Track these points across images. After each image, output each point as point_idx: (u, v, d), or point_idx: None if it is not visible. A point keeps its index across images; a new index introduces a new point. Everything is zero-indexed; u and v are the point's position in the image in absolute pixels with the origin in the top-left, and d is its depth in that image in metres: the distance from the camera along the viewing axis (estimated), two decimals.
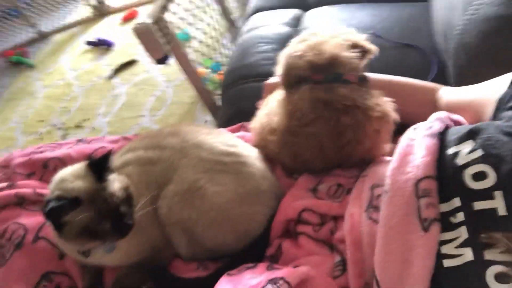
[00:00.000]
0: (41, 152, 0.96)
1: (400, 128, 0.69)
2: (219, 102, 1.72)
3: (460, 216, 0.50)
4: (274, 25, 1.43)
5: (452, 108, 0.73)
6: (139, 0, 3.53)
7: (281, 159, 0.82)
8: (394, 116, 0.74)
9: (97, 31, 3.17)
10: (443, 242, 0.50)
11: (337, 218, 0.69)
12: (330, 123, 0.71)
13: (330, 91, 0.72)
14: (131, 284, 0.73)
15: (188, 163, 0.75)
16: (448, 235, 0.50)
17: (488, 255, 0.46)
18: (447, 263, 0.49)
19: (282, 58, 0.81)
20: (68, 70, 2.89)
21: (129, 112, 2.29)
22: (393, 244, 0.53)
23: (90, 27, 3.35)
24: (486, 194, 0.49)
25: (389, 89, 0.77)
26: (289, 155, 0.79)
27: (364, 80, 0.76)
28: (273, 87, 0.89)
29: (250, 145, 0.85)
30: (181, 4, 1.53)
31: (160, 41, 1.15)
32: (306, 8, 1.51)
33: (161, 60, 1.16)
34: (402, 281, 0.51)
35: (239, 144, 0.81)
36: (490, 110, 0.63)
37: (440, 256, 0.49)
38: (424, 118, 0.65)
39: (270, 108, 0.84)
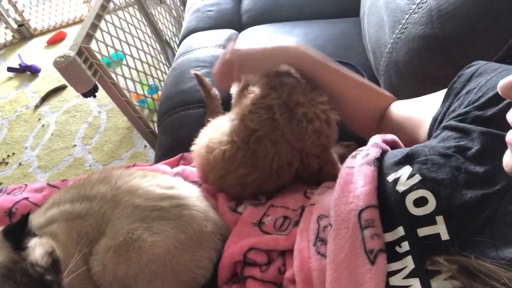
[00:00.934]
0: None
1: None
2: (155, 128, 1.65)
3: (405, 246, 0.49)
4: (209, 47, 1.40)
5: (395, 121, 0.74)
6: (66, 20, 3.35)
7: (227, 183, 0.79)
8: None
9: (20, 57, 2.94)
10: (391, 273, 0.49)
11: (285, 254, 0.66)
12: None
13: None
14: None
15: (122, 212, 0.68)
16: (395, 266, 0.49)
17: (435, 283, 0.45)
18: None
19: None
20: None
21: (60, 142, 2.14)
22: (343, 280, 0.51)
23: (11, 52, 3.11)
24: (429, 219, 0.48)
25: (344, 82, 0.78)
26: (239, 173, 0.76)
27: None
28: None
29: (190, 184, 0.80)
30: (110, 26, 1.43)
31: (86, 74, 1.06)
32: (240, 28, 1.49)
33: (89, 93, 1.08)
34: None
35: (178, 185, 0.75)
36: (426, 128, 0.64)
37: None
38: (369, 122, 0.70)
39: (214, 128, 0.83)
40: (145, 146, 1.92)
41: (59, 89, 2.52)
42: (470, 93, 0.56)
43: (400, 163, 0.55)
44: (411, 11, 0.85)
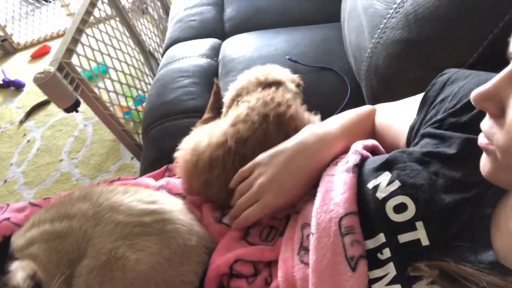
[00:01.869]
0: None
1: None
2: (140, 140, 1.63)
3: (387, 252, 0.49)
4: (192, 57, 1.39)
5: (378, 130, 0.74)
6: (50, 34, 3.33)
7: (213, 188, 0.78)
8: None
9: (3, 72, 2.90)
10: (374, 280, 0.49)
11: (271, 264, 0.66)
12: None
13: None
14: None
15: (103, 230, 0.67)
16: (377, 273, 0.49)
17: None
18: None
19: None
20: None
21: (46, 158, 2.11)
22: None
23: None
24: (409, 225, 0.48)
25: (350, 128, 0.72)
26: (226, 178, 0.75)
27: None
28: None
29: (173, 197, 0.79)
30: (92, 40, 1.42)
31: (67, 89, 1.05)
32: (222, 37, 1.49)
33: (70, 108, 1.06)
34: None
35: (160, 199, 0.74)
36: (404, 137, 0.64)
37: None
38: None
39: (204, 133, 0.83)
40: (132, 158, 1.90)
41: (44, 103, 2.49)
42: (444, 101, 0.56)
43: (380, 169, 0.55)
44: (389, 15, 0.86)
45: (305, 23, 1.41)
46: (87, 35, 1.36)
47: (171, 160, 0.93)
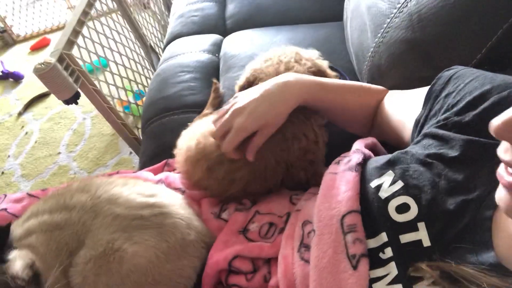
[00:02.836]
0: None
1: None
2: (139, 134, 1.63)
3: (389, 252, 0.49)
4: (194, 52, 1.39)
5: (384, 120, 0.74)
6: (50, 26, 3.31)
7: (214, 176, 0.77)
8: None
9: (2, 63, 2.89)
10: (375, 280, 0.49)
11: (271, 261, 0.66)
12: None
13: None
14: None
15: (102, 222, 0.66)
16: (379, 272, 0.49)
17: None
18: None
19: (249, 67, 0.87)
20: None
21: (44, 150, 2.10)
22: (326, 286, 0.51)
23: None
24: (411, 226, 0.48)
25: (332, 90, 0.76)
26: (229, 167, 0.75)
27: None
28: None
29: (173, 191, 0.79)
30: (93, 32, 1.42)
31: (68, 80, 1.04)
32: (224, 33, 1.48)
33: (70, 100, 1.06)
34: None
35: (160, 193, 0.74)
36: (409, 129, 0.64)
37: None
38: (363, 121, 0.73)
39: (198, 128, 0.82)
40: (131, 153, 1.89)
41: (43, 96, 2.48)
42: (448, 96, 0.56)
43: (383, 169, 0.55)
44: (392, 15, 0.85)
45: (307, 21, 1.40)
46: (88, 27, 1.35)
47: (170, 154, 0.93)
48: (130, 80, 1.64)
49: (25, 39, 3.29)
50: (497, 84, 0.51)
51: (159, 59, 1.93)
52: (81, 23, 1.25)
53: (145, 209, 0.69)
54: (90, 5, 1.31)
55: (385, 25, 0.88)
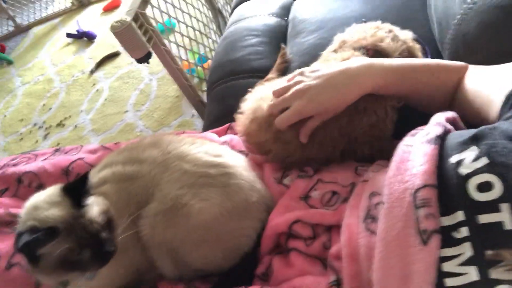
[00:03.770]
0: (15, 165, 0.90)
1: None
2: (203, 97, 1.65)
3: (464, 231, 0.46)
4: (262, 16, 1.36)
5: (465, 96, 0.69)
6: None
7: (279, 136, 0.77)
8: None
9: (78, 23, 3.04)
10: (445, 259, 0.46)
11: (331, 230, 0.65)
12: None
13: None
14: None
15: (171, 177, 0.69)
16: (450, 251, 0.46)
17: (494, 273, 0.43)
18: (449, 282, 0.45)
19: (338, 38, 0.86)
20: (48, 65, 2.79)
21: (113, 108, 2.21)
22: (392, 259, 0.49)
23: (70, 19, 3.23)
24: (492, 206, 0.45)
25: (408, 75, 0.73)
26: (293, 135, 0.75)
27: None
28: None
29: (237, 153, 0.79)
30: None
31: (141, 39, 1.07)
32: None
33: (143, 59, 1.09)
34: None
35: (225, 154, 0.75)
36: (497, 105, 0.59)
37: (442, 274, 0.46)
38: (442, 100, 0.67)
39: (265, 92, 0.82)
40: (193, 115, 1.94)
41: (113, 55, 2.59)
42: None
43: (466, 144, 0.51)
44: None
45: None
46: None
47: (233, 118, 0.93)
48: (197, 42, 1.66)
49: (98, 0, 3.42)
50: None
51: (225, 23, 1.92)
52: None
53: (211, 168, 0.70)
54: None
55: None
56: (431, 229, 0.47)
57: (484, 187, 0.46)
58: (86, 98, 2.36)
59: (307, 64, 0.94)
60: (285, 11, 1.37)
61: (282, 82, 0.81)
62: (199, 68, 1.77)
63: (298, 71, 0.77)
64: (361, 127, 0.74)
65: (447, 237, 0.47)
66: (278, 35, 1.27)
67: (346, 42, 0.84)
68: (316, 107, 0.71)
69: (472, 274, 0.44)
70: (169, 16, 1.44)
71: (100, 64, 2.57)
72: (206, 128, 1.13)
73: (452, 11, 0.88)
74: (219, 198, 0.68)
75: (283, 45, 1.17)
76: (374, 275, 0.50)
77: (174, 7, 1.49)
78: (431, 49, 1.01)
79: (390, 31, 0.84)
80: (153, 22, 1.24)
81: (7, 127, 2.40)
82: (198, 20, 1.68)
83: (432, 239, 0.47)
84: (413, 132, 0.61)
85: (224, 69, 1.23)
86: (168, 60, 1.23)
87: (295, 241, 0.66)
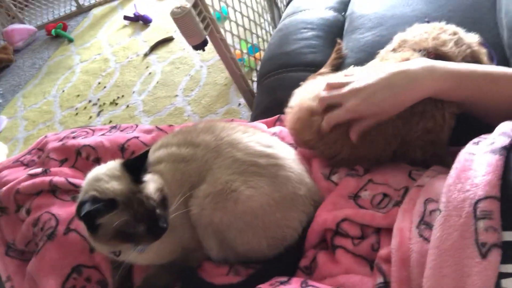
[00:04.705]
0: (74, 137, 0.96)
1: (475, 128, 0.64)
2: (253, 87, 1.67)
3: None
4: (319, 9, 1.34)
5: None
6: None
7: (327, 135, 0.76)
8: None
9: (135, 6, 3.14)
10: (505, 275, 0.45)
11: (380, 232, 0.64)
12: None
13: None
14: (159, 284, 0.71)
15: (222, 163, 0.71)
16: (511, 268, 0.44)
17: None
18: None
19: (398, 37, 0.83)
20: (105, 45, 2.91)
21: (163, 91, 2.28)
22: (446, 269, 0.48)
23: (128, 2, 3.34)
24: None
25: (472, 83, 0.69)
26: (336, 136, 0.74)
27: None
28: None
29: (287, 145, 0.80)
30: None
31: (199, 26, 1.09)
32: None
33: (199, 46, 1.11)
34: None
35: (276, 145, 0.76)
36: None
37: None
38: (508, 112, 0.61)
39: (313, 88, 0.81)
40: (239, 104, 1.97)
41: (167, 40, 2.66)
42: None
43: None
44: None
45: None
46: None
47: (283, 110, 0.93)
48: (251, 32, 1.67)
49: None
50: None
51: (280, 15, 1.92)
52: None
53: (262, 157, 0.71)
54: None
55: None
56: (492, 243, 0.46)
57: None
58: (139, 80, 2.45)
59: (362, 61, 0.92)
60: (343, 5, 1.35)
61: (338, 76, 0.80)
62: (250, 58, 1.78)
63: (355, 68, 0.75)
64: (416, 131, 0.72)
65: (510, 253, 0.45)
66: (334, 30, 1.25)
67: (407, 42, 0.81)
68: (370, 108, 0.69)
69: None
70: (226, 4, 1.46)
71: (154, 48, 2.65)
72: (254, 118, 1.14)
73: None
74: (267, 188, 0.69)
75: (339, 40, 1.15)
76: (425, 282, 0.49)
77: None
78: (497, 53, 0.96)
79: (454, 34, 0.80)
80: (211, 10, 1.26)
81: (65, 101, 2.54)
82: (253, 10, 1.68)
83: (492, 253, 0.45)
84: (476, 140, 0.59)
85: (277, 61, 1.23)
86: (222, 49, 1.25)
87: (342, 239, 0.66)
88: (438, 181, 0.61)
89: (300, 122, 0.81)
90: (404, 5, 1.16)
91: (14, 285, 0.78)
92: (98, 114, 2.32)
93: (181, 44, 2.55)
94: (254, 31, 1.72)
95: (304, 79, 1.07)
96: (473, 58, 0.77)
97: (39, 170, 0.86)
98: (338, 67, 1.11)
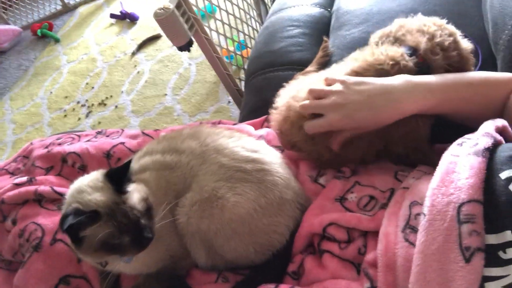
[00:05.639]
0: (60, 144, 0.94)
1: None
2: (241, 85, 1.65)
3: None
4: (305, 6, 1.33)
5: None
6: None
7: (308, 147, 0.77)
8: None
9: (121, 4, 3.10)
10: (489, 278, 0.45)
11: (367, 235, 0.64)
12: None
13: None
14: None
15: (208, 169, 0.70)
16: (495, 271, 0.45)
17: None
18: None
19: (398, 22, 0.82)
20: (92, 45, 2.87)
21: (152, 90, 2.26)
22: (431, 274, 0.48)
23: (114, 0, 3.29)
24: None
25: (455, 95, 0.69)
26: (319, 139, 0.74)
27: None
28: None
29: (273, 148, 0.80)
30: None
31: (183, 27, 1.08)
32: None
33: (184, 47, 1.10)
34: None
35: (262, 149, 0.75)
36: None
37: None
38: (490, 116, 0.61)
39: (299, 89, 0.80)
40: (229, 102, 1.95)
41: (154, 38, 2.63)
42: None
43: None
44: None
45: None
46: None
47: (270, 111, 0.92)
48: (238, 31, 1.65)
49: None
50: None
51: (267, 11, 1.90)
52: None
53: (248, 163, 0.71)
54: None
55: None
56: (475, 247, 0.46)
57: None
58: (127, 79, 2.42)
59: None
60: (329, 1, 1.34)
61: (321, 77, 0.79)
62: (238, 55, 1.77)
63: (341, 77, 0.73)
64: (398, 131, 0.72)
65: (493, 256, 0.45)
66: (321, 27, 1.25)
67: (403, 27, 0.80)
68: (350, 124, 0.69)
69: None
70: (211, 2, 1.44)
71: (142, 46, 2.62)
72: (242, 119, 1.14)
73: (510, 10, 0.83)
74: (253, 194, 0.68)
75: (325, 38, 1.14)
76: (411, 287, 0.49)
77: None
78: (482, 48, 0.96)
79: (450, 35, 0.78)
80: (195, 9, 1.24)
81: (53, 103, 2.51)
82: (239, 8, 1.67)
83: (475, 257, 0.46)
84: (459, 141, 0.58)
85: (263, 60, 1.22)
86: (208, 49, 1.24)
87: (329, 243, 0.66)
88: (422, 183, 0.61)
89: (289, 122, 0.80)
90: (390, 0, 1.15)
91: None
92: (87, 115, 2.30)
93: (169, 41, 2.48)
94: (241, 28, 1.71)
95: (291, 78, 1.06)
96: (460, 64, 0.76)
97: (24, 179, 0.85)
98: (324, 65, 1.10)
